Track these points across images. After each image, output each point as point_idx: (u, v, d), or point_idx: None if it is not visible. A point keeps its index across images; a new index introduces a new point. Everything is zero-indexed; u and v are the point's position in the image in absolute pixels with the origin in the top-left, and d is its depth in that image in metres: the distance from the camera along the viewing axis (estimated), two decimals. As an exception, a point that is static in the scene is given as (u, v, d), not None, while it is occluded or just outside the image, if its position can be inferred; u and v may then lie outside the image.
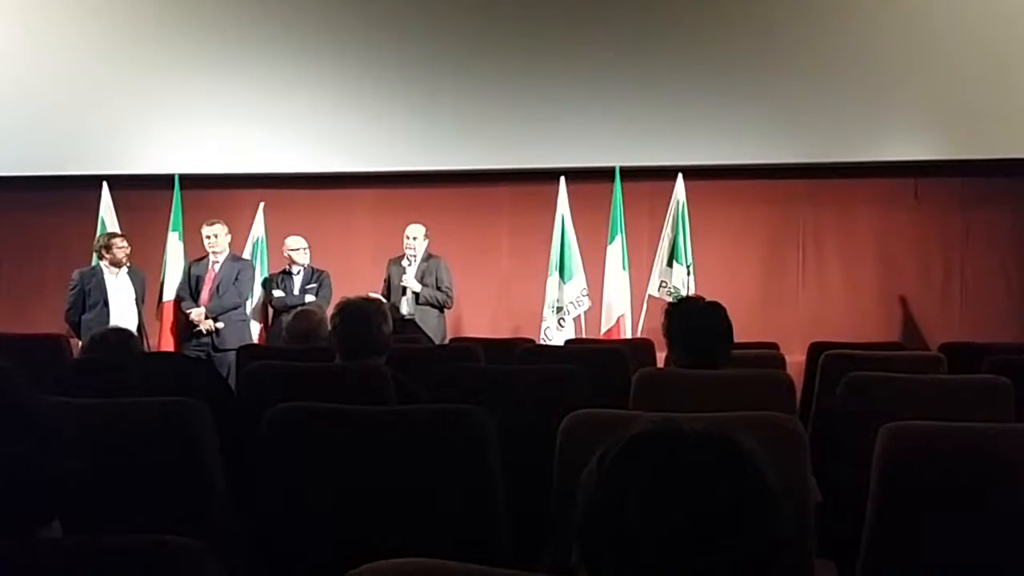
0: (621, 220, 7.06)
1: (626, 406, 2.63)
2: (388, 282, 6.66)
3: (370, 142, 7.61)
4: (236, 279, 6.61)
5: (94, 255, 6.72)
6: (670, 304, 3.27)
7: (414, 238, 6.62)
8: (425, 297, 6.51)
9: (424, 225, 6.71)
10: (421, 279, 6.54)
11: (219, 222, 6.69)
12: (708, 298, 3.23)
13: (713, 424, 1.03)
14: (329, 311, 5.85)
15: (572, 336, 6.72)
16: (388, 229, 7.13)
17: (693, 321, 3.05)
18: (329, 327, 4.87)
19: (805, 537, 1.92)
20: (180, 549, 1.12)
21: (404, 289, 6.51)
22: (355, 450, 2.09)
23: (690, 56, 7.27)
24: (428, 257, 6.65)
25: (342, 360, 3.27)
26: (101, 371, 2.82)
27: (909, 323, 7.30)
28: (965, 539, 1.77)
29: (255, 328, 6.96)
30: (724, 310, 3.09)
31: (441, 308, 6.62)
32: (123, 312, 6.33)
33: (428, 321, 6.47)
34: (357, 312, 3.31)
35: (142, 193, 7.78)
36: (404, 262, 6.61)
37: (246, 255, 7.20)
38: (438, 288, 6.56)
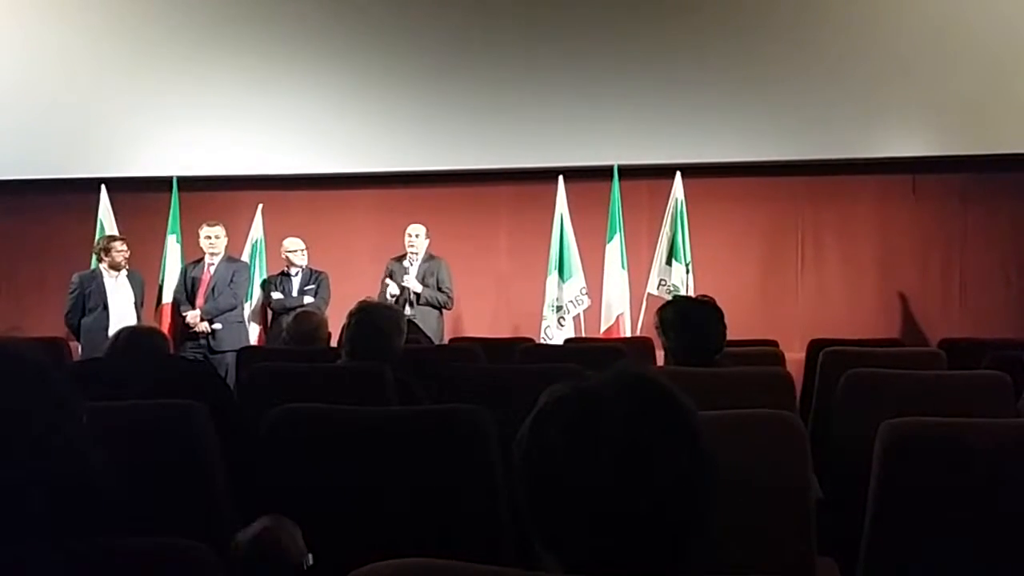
0: (620, 219, 7.05)
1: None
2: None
3: (368, 143, 7.61)
4: (231, 281, 6.60)
5: (93, 258, 6.71)
6: (662, 305, 3.28)
7: (416, 236, 6.62)
8: (426, 298, 6.50)
9: (424, 225, 6.71)
10: (422, 280, 6.54)
11: (219, 224, 6.68)
12: (706, 295, 3.24)
13: (620, 373, 1.04)
14: (328, 312, 5.89)
15: (572, 335, 6.72)
16: (387, 230, 7.14)
17: (687, 318, 3.05)
18: (328, 329, 4.91)
19: (806, 534, 1.93)
20: (182, 551, 1.12)
21: (403, 289, 6.50)
22: (356, 451, 2.09)
23: (687, 55, 7.26)
24: (430, 258, 6.65)
25: (347, 359, 3.26)
26: (102, 374, 2.82)
27: (908, 319, 7.30)
28: (966, 535, 1.77)
29: (254, 330, 6.96)
30: (716, 306, 3.11)
31: (441, 309, 6.62)
32: (122, 315, 6.31)
33: (428, 322, 6.47)
34: (373, 318, 3.31)
35: (140, 196, 7.77)
36: (406, 262, 6.61)
37: (245, 257, 7.20)
38: (439, 289, 6.56)
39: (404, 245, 6.65)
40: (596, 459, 0.97)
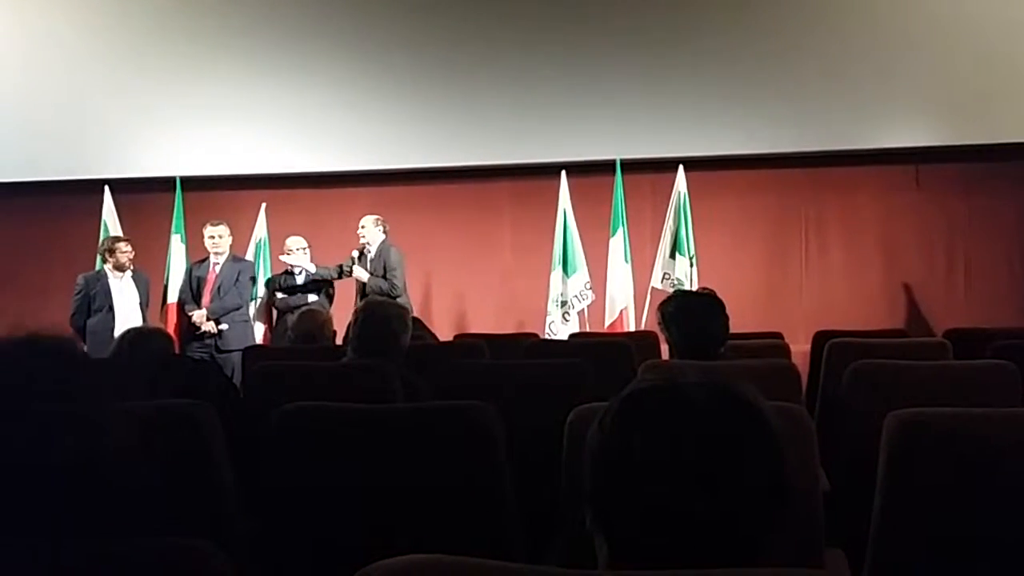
0: (623, 213, 7.05)
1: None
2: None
3: (370, 141, 7.61)
4: (237, 280, 6.59)
5: (98, 259, 6.72)
6: (663, 300, 3.27)
7: (363, 227, 6.57)
8: (371, 287, 6.37)
9: (378, 215, 6.63)
10: (373, 271, 6.46)
11: (223, 223, 6.67)
12: (708, 288, 3.24)
13: (710, 374, 1.05)
14: (334, 311, 5.88)
15: (576, 330, 6.72)
16: (389, 228, 7.12)
17: (688, 312, 3.05)
18: (333, 327, 4.92)
19: (814, 525, 1.93)
20: (190, 550, 1.12)
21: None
22: (362, 449, 2.10)
23: (689, 48, 7.25)
24: (382, 247, 6.56)
25: (352, 357, 3.26)
26: (108, 375, 2.82)
27: (913, 310, 7.29)
28: (973, 524, 1.77)
29: (259, 329, 6.96)
30: (718, 298, 3.10)
31: (390, 297, 6.31)
32: (128, 316, 6.33)
33: None
34: (379, 314, 3.32)
35: (144, 196, 7.79)
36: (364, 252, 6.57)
37: (249, 256, 7.20)
38: (384, 277, 6.42)
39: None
40: (679, 456, 0.96)
